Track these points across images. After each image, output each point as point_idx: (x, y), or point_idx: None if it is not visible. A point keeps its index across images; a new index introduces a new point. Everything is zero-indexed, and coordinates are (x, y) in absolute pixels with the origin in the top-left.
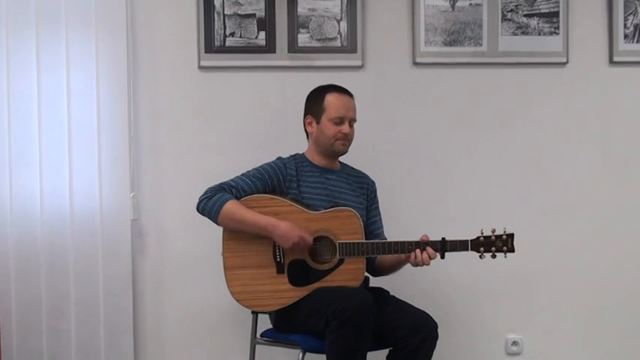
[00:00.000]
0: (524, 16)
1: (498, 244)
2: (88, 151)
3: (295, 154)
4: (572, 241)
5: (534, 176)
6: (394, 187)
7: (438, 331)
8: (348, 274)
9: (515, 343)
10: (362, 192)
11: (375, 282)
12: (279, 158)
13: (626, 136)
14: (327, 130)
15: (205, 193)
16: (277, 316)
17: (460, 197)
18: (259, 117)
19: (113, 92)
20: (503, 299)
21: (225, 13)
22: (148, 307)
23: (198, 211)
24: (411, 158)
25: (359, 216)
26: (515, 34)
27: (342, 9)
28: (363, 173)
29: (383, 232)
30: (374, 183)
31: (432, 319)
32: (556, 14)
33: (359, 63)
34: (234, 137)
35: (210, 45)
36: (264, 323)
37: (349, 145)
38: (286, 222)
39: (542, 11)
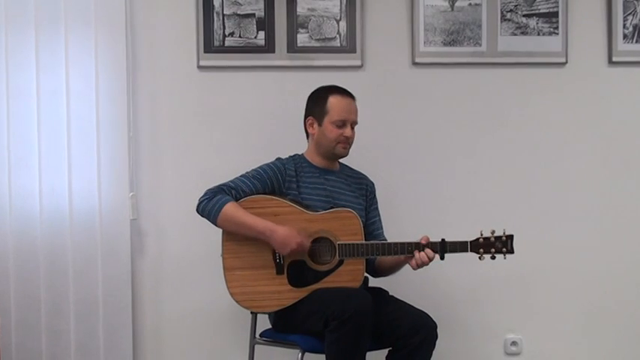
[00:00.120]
0: (524, 16)
1: (498, 245)
2: (87, 151)
3: (294, 155)
4: (572, 241)
5: (534, 176)
6: (393, 187)
7: (438, 331)
8: (347, 275)
9: (514, 343)
10: (361, 193)
11: (374, 282)
12: (278, 159)
13: (626, 136)
14: (329, 133)
15: (205, 194)
16: (276, 317)
17: (459, 197)
18: (258, 117)
19: (112, 92)
20: (503, 299)
21: (225, 12)
22: (147, 307)
23: (197, 212)
24: (411, 158)
25: (359, 217)
26: (515, 34)
27: (341, 9)
28: (362, 174)
29: (382, 232)
30: (373, 184)
31: (431, 319)
32: (555, 14)
33: (358, 63)
34: (234, 137)
35: (210, 45)
36: (264, 323)
37: (350, 147)
38: (285, 227)
39: (541, 11)
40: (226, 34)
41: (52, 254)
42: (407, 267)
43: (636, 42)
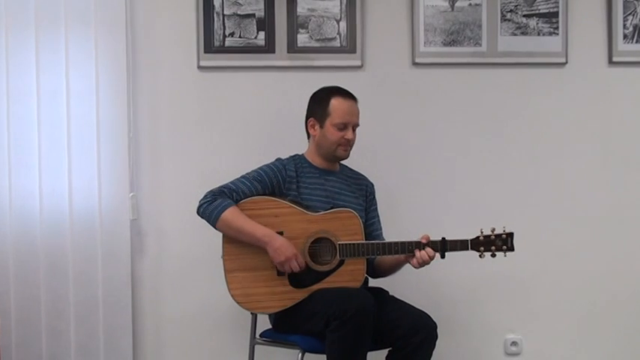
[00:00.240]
0: (524, 16)
1: (498, 243)
2: (88, 151)
3: (294, 155)
4: (572, 241)
5: (534, 176)
6: (393, 187)
7: (438, 331)
8: (348, 275)
9: (514, 343)
10: (361, 193)
11: (374, 282)
12: (278, 159)
13: (626, 136)
14: (330, 135)
15: (205, 197)
16: (277, 317)
17: (459, 197)
18: (259, 117)
19: (112, 92)
20: (503, 299)
21: (225, 13)
22: (147, 307)
23: (198, 214)
24: (411, 158)
25: (359, 217)
26: (515, 35)
27: (341, 9)
28: (362, 175)
29: (382, 233)
30: (372, 185)
31: (431, 319)
32: (555, 14)
33: (358, 63)
34: (234, 137)
35: (210, 45)
36: (264, 323)
37: (350, 150)
38: (284, 238)
39: (541, 11)
40: (226, 34)
41: (52, 254)
42: (407, 267)
43: (636, 42)
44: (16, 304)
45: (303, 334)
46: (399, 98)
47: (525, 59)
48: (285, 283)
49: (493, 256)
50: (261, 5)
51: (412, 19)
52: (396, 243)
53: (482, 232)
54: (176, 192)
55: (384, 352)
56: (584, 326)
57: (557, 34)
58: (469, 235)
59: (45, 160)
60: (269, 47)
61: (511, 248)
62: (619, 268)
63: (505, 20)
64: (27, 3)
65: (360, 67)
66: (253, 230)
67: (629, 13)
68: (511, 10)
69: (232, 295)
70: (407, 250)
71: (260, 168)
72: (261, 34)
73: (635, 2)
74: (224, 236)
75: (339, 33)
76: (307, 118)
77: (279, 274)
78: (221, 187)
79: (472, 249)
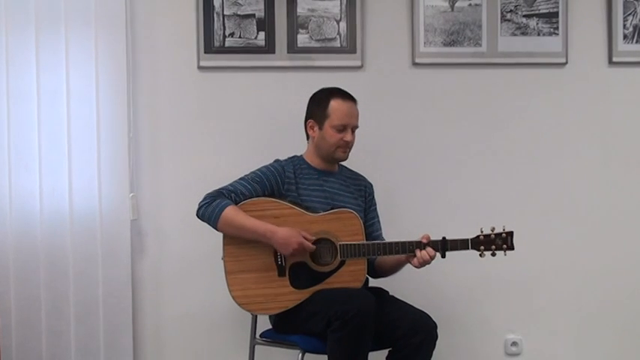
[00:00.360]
0: (524, 16)
1: (498, 242)
2: (88, 151)
3: (293, 157)
4: (572, 241)
5: (534, 177)
6: (393, 187)
7: (438, 331)
8: (349, 276)
9: (514, 343)
10: (360, 194)
11: (374, 282)
12: (277, 161)
13: (626, 137)
14: (329, 137)
15: (204, 199)
16: (278, 318)
17: (459, 198)
18: (259, 117)
19: (112, 92)
20: (503, 300)
21: (225, 13)
22: (147, 308)
23: (197, 217)
24: (411, 159)
25: (359, 217)
26: (515, 35)
27: (341, 9)
28: (361, 175)
29: (381, 233)
30: (371, 185)
31: (431, 319)
32: (555, 15)
33: (358, 63)
34: (234, 137)
35: (210, 45)
36: (264, 324)
37: (349, 152)
38: (285, 228)
39: (541, 12)
40: (226, 34)
41: (52, 255)
42: (407, 267)
43: (636, 42)
44: (16, 304)
45: (304, 334)
46: (399, 98)
47: (525, 59)
48: (286, 284)
49: (493, 255)
50: (261, 5)
51: (412, 20)
52: (396, 243)
53: (482, 232)
54: (176, 192)
55: (384, 352)
56: (584, 326)
57: (557, 34)
58: (469, 234)
59: (45, 160)
60: (269, 47)
61: (511, 247)
62: (619, 267)
63: (505, 20)
64: (27, 3)
65: (360, 68)
66: (255, 226)
67: (629, 14)
68: (511, 11)
69: (233, 297)
70: (408, 250)
71: (259, 169)
72: (261, 35)
73: (635, 2)
74: (225, 237)
75: (339, 33)
76: (306, 119)
77: (280, 275)
78: (219, 189)
79: (472, 248)
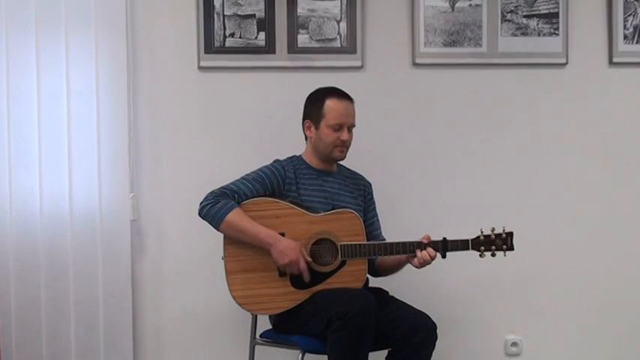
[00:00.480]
0: (524, 16)
1: (498, 242)
2: (88, 152)
3: (292, 157)
4: (572, 241)
5: (534, 177)
6: (394, 187)
7: (438, 331)
8: (349, 276)
9: (514, 343)
10: (359, 193)
11: (374, 282)
12: (277, 161)
13: (626, 137)
14: (325, 137)
15: (207, 198)
16: (278, 318)
17: (459, 198)
18: (259, 117)
19: (113, 92)
20: (503, 300)
21: (225, 13)
22: (148, 308)
23: (200, 216)
24: (411, 159)
25: (360, 218)
26: (515, 35)
27: (341, 9)
28: (360, 175)
29: (381, 232)
30: (370, 184)
31: (431, 319)
32: (556, 15)
33: (358, 64)
34: (234, 137)
35: (210, 45)
36: (264, 324)
37: (347, 151)
38: (289, 240)
39: (541, 12)
40: (227, 34)
41: (52, 255)
42: (408, 267)
43: (636, 43)
44: (16, 304)
45: (304, 334)
46: (399, 98)
47: (525, 60)
48: (287, 284)
49: (493, 255)
50: (262, 5)
51: (412, 20)
52: (397, 243)
53: (482, 232)
54: (176, 192)
55: (384, 352)
56: (584, 326)
57: (558, 34)
58: (469, 235)
59: (45, 160)
60: (269, 47)
61: (511, 247)
62: (619, 267)
63: (505, 21)
64: (27, 3)
65: (360, 68)
66: (257, 232)
67: (630, 14)
68: (511, 11)
69: (234, 297)
70: (408, 250)
71: (260, 169)
72: (262, 35)
73: (636, 3)
74: (225, 237)
75: (339, 33)
76: (303, 120)
77: (281, 275)
78: (222, 188)
79: (472, 249)
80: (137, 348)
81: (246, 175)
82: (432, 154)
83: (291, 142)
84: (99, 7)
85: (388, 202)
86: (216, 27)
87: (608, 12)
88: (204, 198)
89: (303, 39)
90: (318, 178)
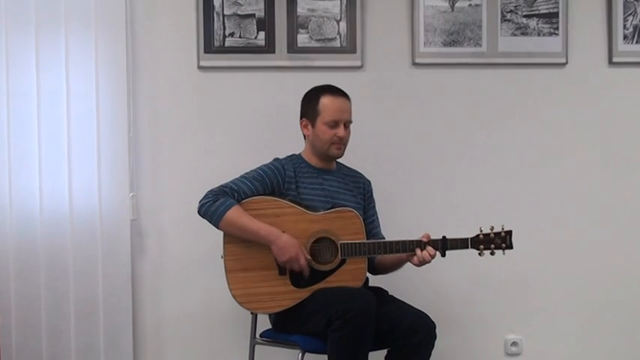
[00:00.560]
0: (524, 16)
1: (497, 241)
2: (88, 151)
3: (292, 155)
4: (572, 241)
5: (534, 177)
6: (393, 187)
7: (437, 331)
8: (349, 275)
9: (514, 343)
10: (359, 192)
11: (373, 281)
12: (276, 159)
13: (626, 137)
14: (322, 134)
15: (207, 196)
16: (277, 317)
17: (459, 198)
18: (259, 117)
19: (112, 92)
20: (503, 300)
21: (225, 13)
22: (148, 307)
23: (199, 214)
24: (411, 159)
25: (360, 216)
26: (515, 35)
27: (341, 9)
28: (359, 173)
29: (380, 230)
30: (369, 182)
31: (430, 319)
32: (555, 15)
33: (358, 63)
34: (234, 137)
35: (210, 45)
36: (264, 323)
37: (344, 148)
38: (290, 236)
39: (541, 12)
40: (226, 34)
41: (52, 254)
42: (407, 266)
43: (636, 42)
44: (16, 303)
45: (304, 334)
46: (399, 98)
47: (525, 60)
48: (287, 283)
49: (492, 254)
50: (261, 5)
51: (412, 20)
52: (397, 242)
53: (481, 231)
54: (176, 192)
55: (384, 352)
56: (584, 326)
57: (558, 34)
58: (469, 234)
59: (45, 159)
60: (269, 47)
61: (510, 246)
62: (619, 267)
63: (505, 21)
64: (27, 3)
65: (360, 68)
66: (258, 229)
67: (629, 14)
68: (511, 11)
69: (233, 296)
70: (408, 248)
71: (259, 168)
72: (261, 34)
73: (635, 3)
74: (225, 236)
75: (339, 33)
76: (300, 118)
77: (281, 273)
78: (222, 186)
79: (472, 247)
80: (137, 347)
81: (246, 173)
82: (432, 154)
83: (291, 141)
84: (99, 7)
85: (388, 201)
86: (215, 27)
87: (607, 12)
88: (204, 196)
89: (302, 39)
90: (318, 177)
